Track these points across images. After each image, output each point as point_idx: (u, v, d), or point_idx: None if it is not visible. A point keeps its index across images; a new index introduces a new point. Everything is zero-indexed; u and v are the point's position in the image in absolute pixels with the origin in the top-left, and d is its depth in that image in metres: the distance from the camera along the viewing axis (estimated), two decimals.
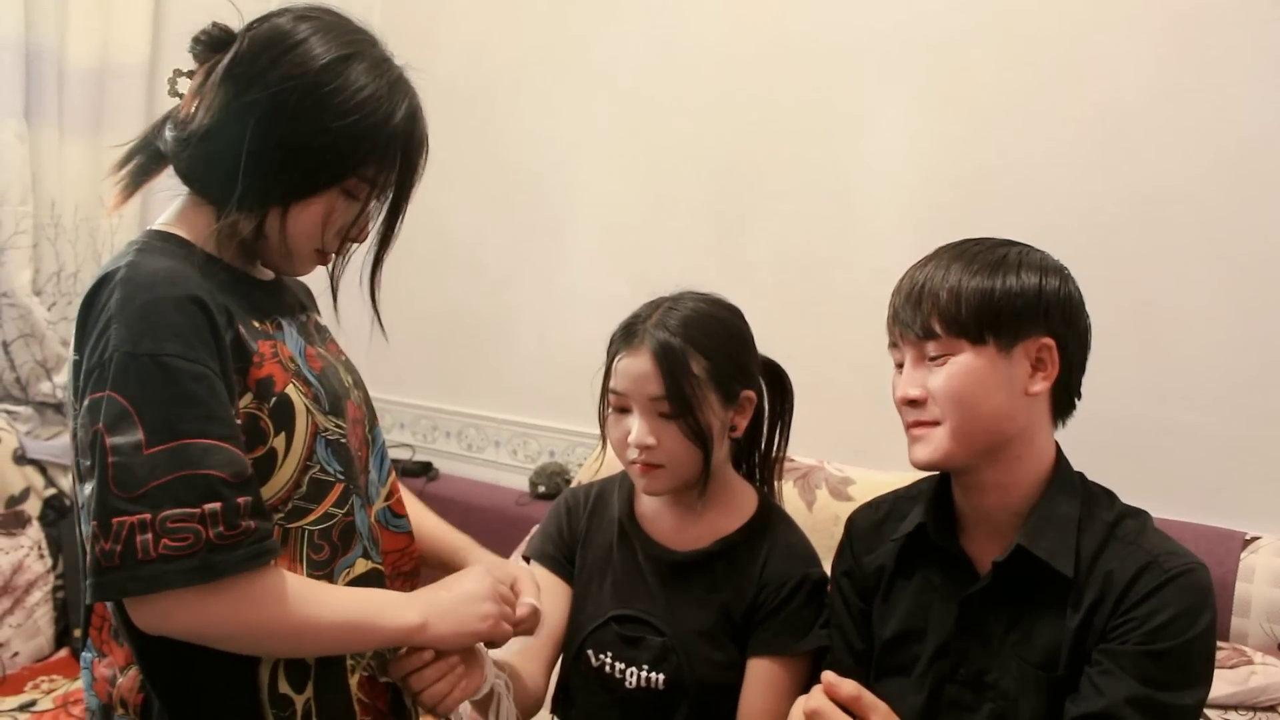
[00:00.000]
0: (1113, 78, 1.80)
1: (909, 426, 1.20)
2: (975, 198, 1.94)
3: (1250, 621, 1.49)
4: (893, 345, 1.23)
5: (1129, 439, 1.73)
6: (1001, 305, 1.15)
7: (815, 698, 1.03)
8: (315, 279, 1.22)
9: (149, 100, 2.54)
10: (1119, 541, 1.15)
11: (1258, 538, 1.57)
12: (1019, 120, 1.90)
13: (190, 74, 1.10)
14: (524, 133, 2.67)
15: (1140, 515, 1.19)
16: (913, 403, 1.18)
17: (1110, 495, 1.22)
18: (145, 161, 1.12)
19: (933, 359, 1.17)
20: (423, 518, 1.33)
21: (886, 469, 1.84)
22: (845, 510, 1.77)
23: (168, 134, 1.09)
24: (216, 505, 0.93)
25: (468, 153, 2.74)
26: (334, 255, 1.15)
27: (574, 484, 2.29)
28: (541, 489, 2.51)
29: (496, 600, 1.15)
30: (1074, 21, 1.84)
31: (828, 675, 1.05)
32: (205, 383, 0.95)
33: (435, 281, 2.85)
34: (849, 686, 1.03)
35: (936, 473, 1.30)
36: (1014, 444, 1.17)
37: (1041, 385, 1.16)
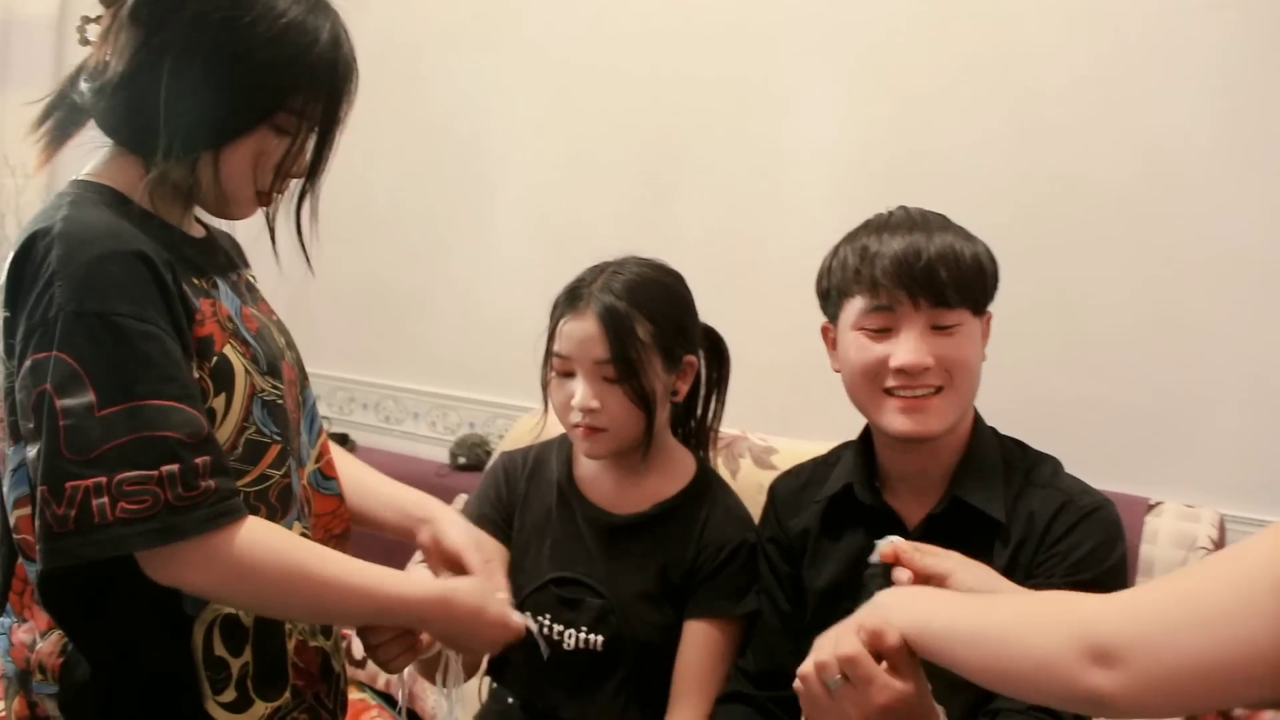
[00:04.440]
0: (1036, 65, 1.85)
1: (902, 397, 1.21)
2: (902, 178, 1.98)
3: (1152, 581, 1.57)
4: (881, 308, 1.21)
5: (1044, 411, 1.79)
6: (989, 275, 1.23)
7: (846, 641, 0.89)
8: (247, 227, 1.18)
9: (58, 54, 2.43)
10: (1036, 485, 1.24)
11: (1160, 503, 1.66)
12: (946, 104, 1.94)
13: (99, 19, 1.03)
14: (450, 101, 2.62)
15: (1050, 460, 1.29)
16: (909, 371, 1.19)
17: (1021, 444, 1.31)
18: (64, 116, 1.06)
19: (944, 327, 1.20)
20: (378, 482, 1.29)
21: (808, 438, 1.88)
22: (770, 479, 1.81)
23: (83, 85, 1.02)
24: (174, 467, 0.90)
25: (391, 118, 2.68)
26: (273, 194, 1.09)
27: (494, 455, 2.29)
28: (462, 460, 2.49)
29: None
30: (998, 8, 1.90)
31: (872, 621, 0.90)
32: (157, 342, 0.93)
33: (353, 250, 2.79)
34: (894, 636, 0.88)
35: (856, 437, 1.36)
36: (970, 406, 1.26)
37: (984, 353, 1.24)
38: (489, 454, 2.49)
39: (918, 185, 1.95)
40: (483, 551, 1.20)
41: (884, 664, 0.88)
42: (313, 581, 1.00)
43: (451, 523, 1.22)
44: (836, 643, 0.90)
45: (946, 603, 0.90)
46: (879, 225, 1.26)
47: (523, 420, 2.22)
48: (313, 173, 1.10)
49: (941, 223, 1.25)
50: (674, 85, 2.28)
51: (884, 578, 1.05)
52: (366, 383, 2.85)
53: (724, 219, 2.23)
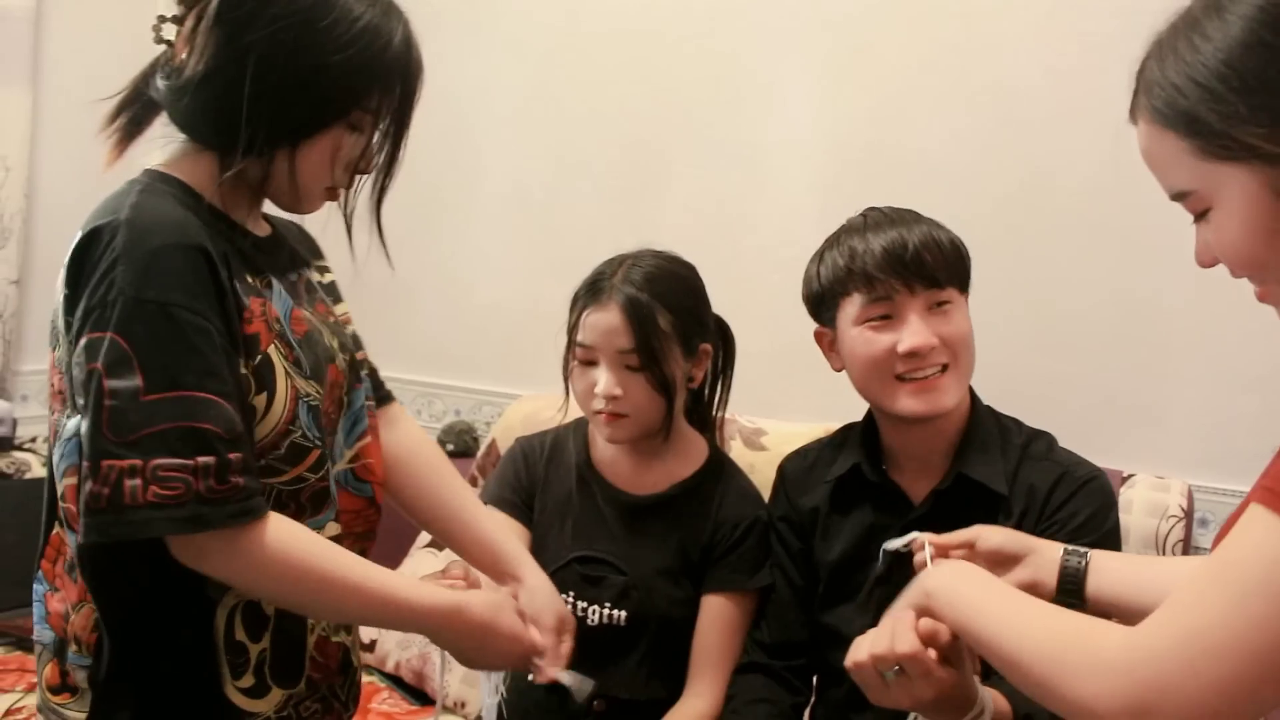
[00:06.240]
0: (1007, 61, 1.95)
1: (913, 380, 1.28)
2: (879, 170, 2.06)
3: (1129, 548, 1.68)
4: (880, 299, 1.28)
5: (1020, 388, 1.87)
6: (965, 258, 1.32)
7: (905, 639, 0.95)
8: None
9: (35, 47, 2.40)
10: (1033, 459, 1.33)
11: (1133, 475, 1.77)
12: (921, 98, 2.03)
13: (175, 19, 1.06)
14: (432, 94, 2.63)
15: (1045, 435, 1.38)
16: (919, 352, 1.26)
17: (1016, 421, 1.40)
18: (138, 112, 1.09)
19: (939, 305, 1.28)
20: (479, 518, 1.33)
21: (795, 421, 1.96)
22: (759, 459, 1.89)
23: (160, 83, 1.06)
24: (210, 459, 0.94)
25: None
26: (343, 190, 1.13)
27: (484, 444, 2.33)
28: (451, 447, 2.51)
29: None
30: (972, 6, 1.98)
31: (926, 622, 0.96)
32: (206, 336, 0.96)
33: (335, 239, 2.81)
34: (946, 634, 0.95)
35: (860, 419, 1.43)
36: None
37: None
38: (477, 441, 2.53)
39: (895, 176, 2.03)
40: (565, 625, 1.26)
41: (932, 652, 0.95)
42: (326, 582, 1.03)
43: (538, 591, 1.27)
44: (894, 638, 0.95)
45: (984, 605, 0.92)
46: (858, 227, 1.32)
47: (513, 407, 2.27)
48: (387, 171, 1.14)
49: (914, 216, 1.33)
50: (656, 75, 2.34)
51: (900, 568, 1.15)
52: None
53: (705, 207, 2.29)
